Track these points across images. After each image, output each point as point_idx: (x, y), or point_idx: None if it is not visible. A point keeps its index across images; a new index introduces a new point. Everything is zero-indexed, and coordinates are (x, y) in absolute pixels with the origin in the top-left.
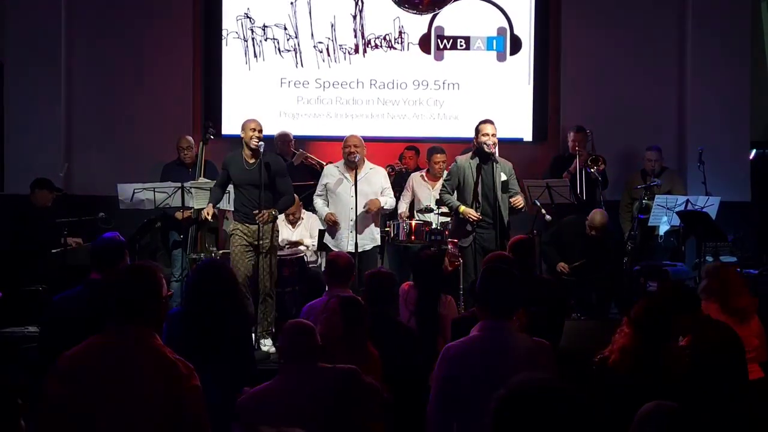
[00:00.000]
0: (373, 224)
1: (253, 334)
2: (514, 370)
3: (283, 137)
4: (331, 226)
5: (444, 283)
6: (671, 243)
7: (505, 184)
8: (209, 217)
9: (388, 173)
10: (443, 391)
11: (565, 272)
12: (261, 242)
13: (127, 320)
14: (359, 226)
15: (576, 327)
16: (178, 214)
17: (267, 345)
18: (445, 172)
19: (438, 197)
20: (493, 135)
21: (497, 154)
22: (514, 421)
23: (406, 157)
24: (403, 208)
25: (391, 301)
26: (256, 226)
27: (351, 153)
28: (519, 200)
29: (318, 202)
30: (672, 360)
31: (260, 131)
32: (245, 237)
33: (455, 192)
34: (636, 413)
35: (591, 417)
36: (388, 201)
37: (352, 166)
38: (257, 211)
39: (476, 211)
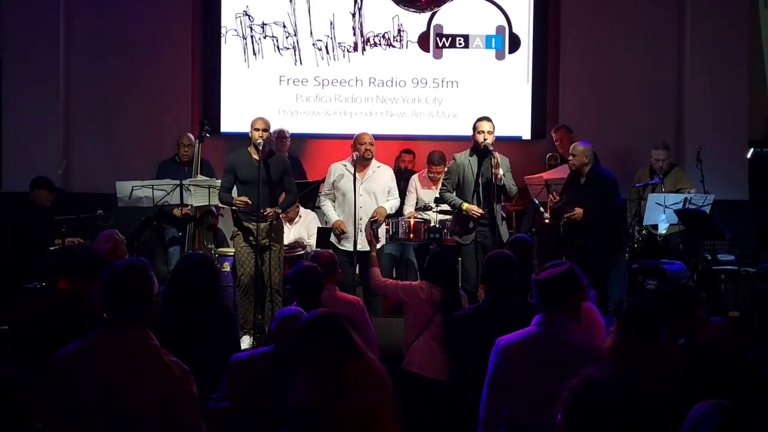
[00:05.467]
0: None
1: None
2: (568, 365)
3: (279, 134)
4: (338, 233)
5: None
6: (677, 243)
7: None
8: (248, 201)
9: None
10: (497, 383)
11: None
12: (264, 240)
13: (120, 319)
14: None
15: None
16: (176, 212)
17: None
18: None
19: (438, 195)
20: (489, 132)
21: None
22: (585, 411)
23: (404, 160)
24: (410, 209)
25: (318, 294)
26: (261, 224)
27: (367, 150)
28: (498, 171)
29: (326, 204)
30: (662, 357)
31: (264, 130)
32: (249, 236)
33: (455, 190)
34: (690, 411)
35: (644, 409)
36: (393, 205)
37: (365, 164)
38: (264, 211)
39: (479, 208)
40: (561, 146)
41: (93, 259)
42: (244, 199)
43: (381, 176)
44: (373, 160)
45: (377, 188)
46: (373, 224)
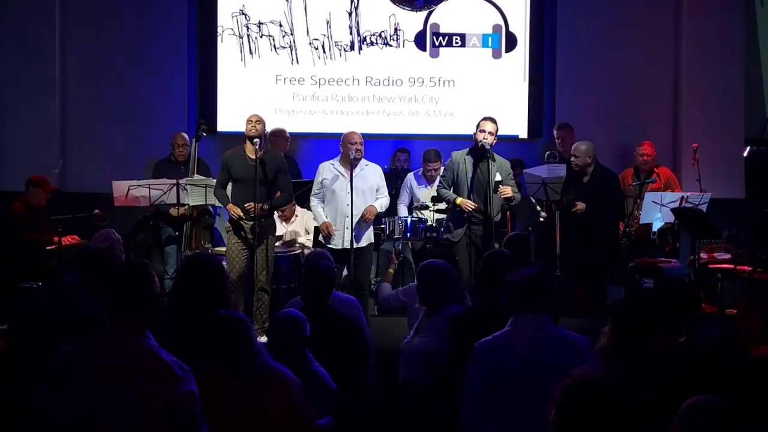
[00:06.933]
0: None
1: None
2: (549, 363)
3: (278, 133)
4: (324, 235)
5: None
6: (666, 241)
7: (498, 184)
8: (241, 215)
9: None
10: (477, 388)
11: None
12: (254, 238)
13: (119, 318)
14: (354, 223)
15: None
16: (173, 211)
17: (263, 341)
18: (442, 168)
19: (435, 193)
20: (490, 133)
21: (494, 152)
22: (578, 409)
23: (399, 159)
24: (404, 211)
25: (328, 292)
26: (252, 221)
27: (357, 150)
28: (507, 190)
29: (315, 203)
30: (658, 357)
31: (257, 122)
32: (241, 233)
33: (451, 187)
34: (681, 406)
35: (638, 408)
36: (383, 203)
37: (355, 164)
38: (248, 205)
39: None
40: (562, 145)
41: (104, 257)
42: (238, 212)
43: (369, 174)
44: (362, 158)
45: (365, 186)
46: (363, 223)
